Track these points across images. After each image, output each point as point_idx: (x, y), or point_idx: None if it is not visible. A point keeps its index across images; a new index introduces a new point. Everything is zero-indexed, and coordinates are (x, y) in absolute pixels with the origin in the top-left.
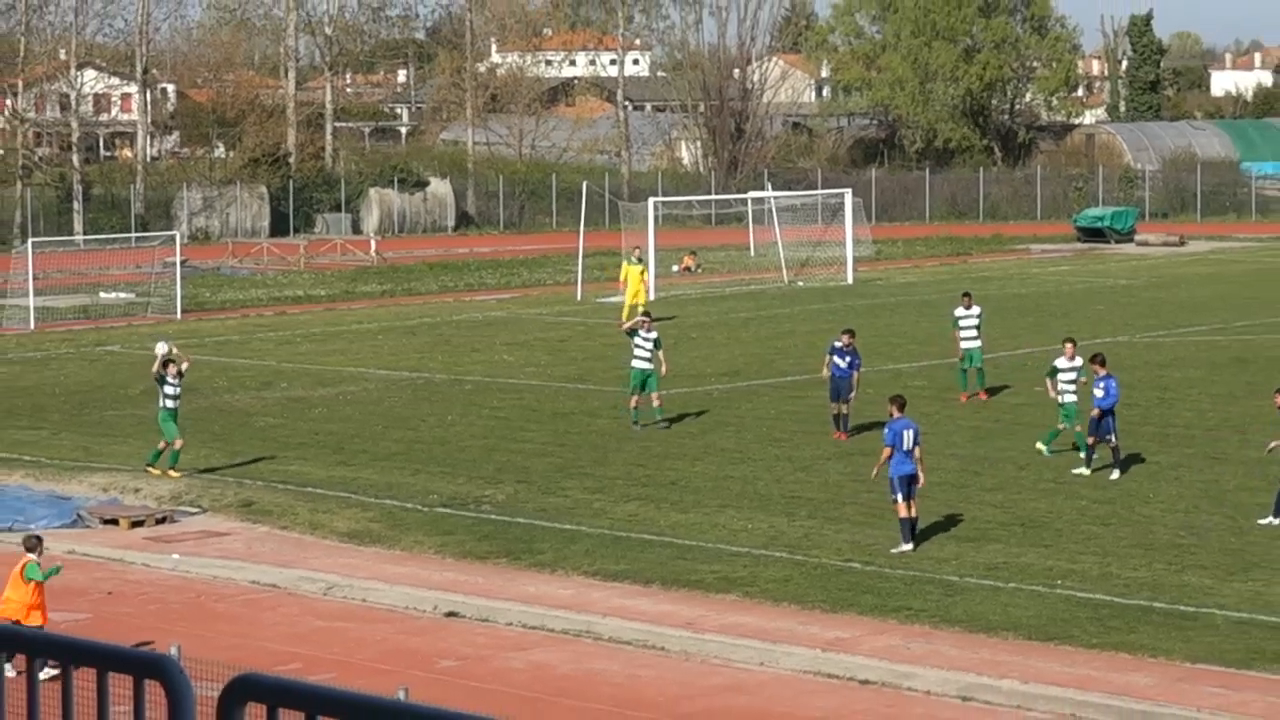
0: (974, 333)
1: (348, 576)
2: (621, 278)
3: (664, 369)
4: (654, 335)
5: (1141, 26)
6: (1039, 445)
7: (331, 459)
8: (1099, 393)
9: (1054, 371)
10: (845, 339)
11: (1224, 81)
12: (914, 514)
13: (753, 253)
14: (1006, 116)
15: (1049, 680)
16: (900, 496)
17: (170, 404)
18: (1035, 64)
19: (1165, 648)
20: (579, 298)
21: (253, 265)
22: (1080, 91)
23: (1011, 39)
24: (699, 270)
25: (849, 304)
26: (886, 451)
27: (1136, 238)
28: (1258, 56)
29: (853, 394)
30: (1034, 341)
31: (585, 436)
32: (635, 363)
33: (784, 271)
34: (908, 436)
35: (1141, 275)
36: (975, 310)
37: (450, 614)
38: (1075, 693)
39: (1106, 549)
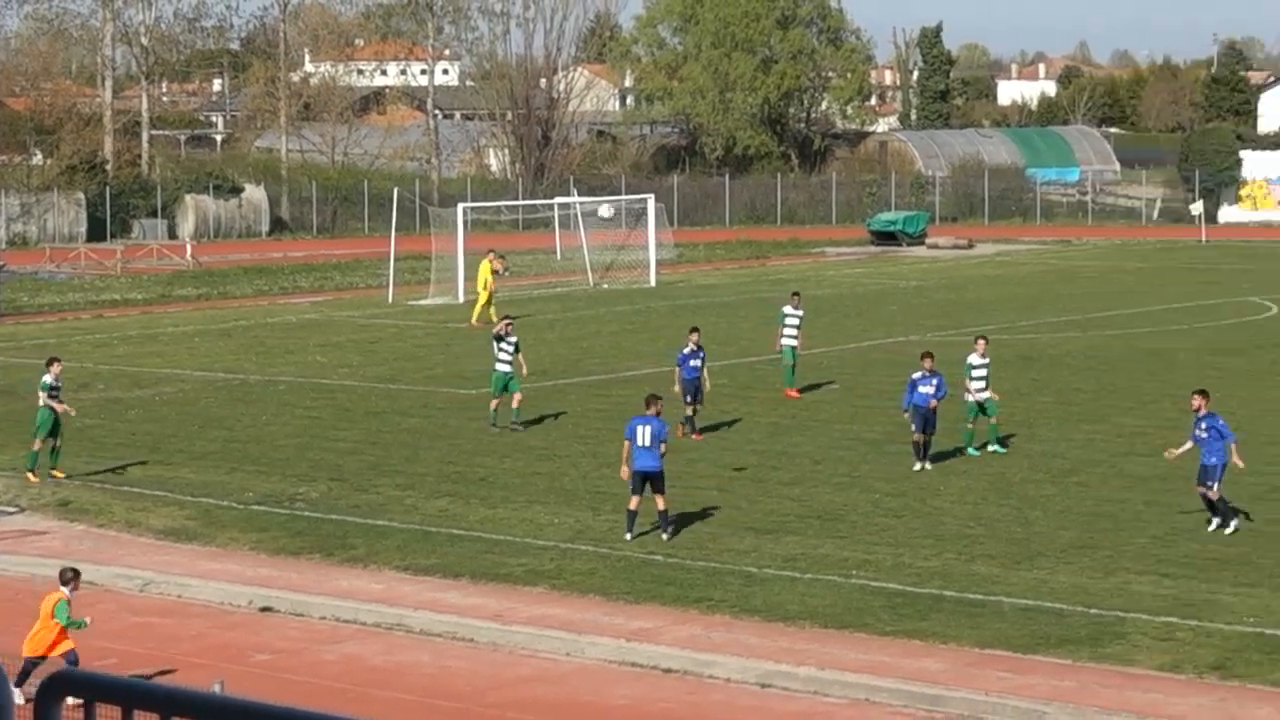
0: (794, 331)
1: (164, 573)
2: (481, 279)
3: (524, 370)
4: (514, 339)
5: (932, 38)
6: (969, 450)
7: (148, 458)
8: (929, 389)
9: (969, 369)
10: (695, 338)
11: (1010, 91)
12: (638, 509)
13: (559, 256)
14: (803, 125)
15: (844, 667)
16: (632, 490)
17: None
18: (831, 74)
19: (955, 634)
20: (390, 300)
21: (70, 270)
22: (873, 100)
23: (808, 50)
24: (507, 274)
25: (652, 305)
26: (627, 445)
27: (927, 241)
28: (1042, 67)
29: (708, 388)
30: (830, 341)
31: (397, 435)
32: (498, 366)
33: (589, 274)
34: (643, 432)
35: (932, 277)
36: (800, 310)
37: (265, 609)
38: (870, 678)
39: (899, 540)
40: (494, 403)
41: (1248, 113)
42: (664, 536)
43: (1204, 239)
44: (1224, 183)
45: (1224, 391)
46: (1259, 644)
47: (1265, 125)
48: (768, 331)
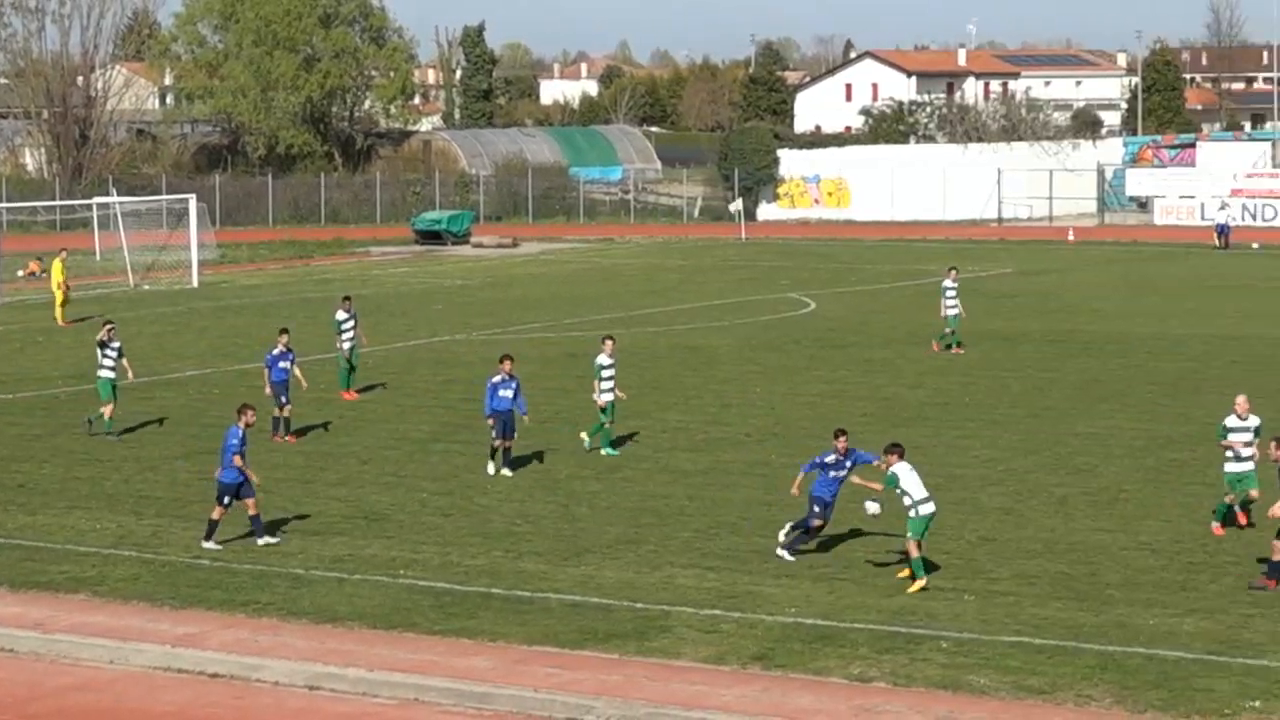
0: (352, 333)
1: None
2: (55, 280)
3: (129, 375)
4: (118, 344)
5: (474, 37)
6: (596, 446)
7: None
8: (508, 393)
9: (599, 370)
10: (284, 340)
11: (553, 90)
12: (220, 518)
13: (99, 258)
14: (347, 124)
15: (393, 667)
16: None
17: None
18: (374, 73)
19: (503, 631)
20: None
21: None
22: (417, 100)
23: (351, 49)
24: (44, 275)
25: (195, 306)
26: (237, 459)
27: (472, 240)
28: (584, 67)
29: (304, 387)
30: (376, 340)
31: None
32: (101, 373)
33: (130, 275)
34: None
35: (478, 275)
36: (352, 312)
37: None
38: (419, 678)
39: (447, 539)
40: (106, 409)
41: (784, 112)
42: (259, 542)
43: (744, 236)
44: (762, 181)
45: (764, 387)
46: (800, 634)
47: (801, 124)
48: (314, 331)
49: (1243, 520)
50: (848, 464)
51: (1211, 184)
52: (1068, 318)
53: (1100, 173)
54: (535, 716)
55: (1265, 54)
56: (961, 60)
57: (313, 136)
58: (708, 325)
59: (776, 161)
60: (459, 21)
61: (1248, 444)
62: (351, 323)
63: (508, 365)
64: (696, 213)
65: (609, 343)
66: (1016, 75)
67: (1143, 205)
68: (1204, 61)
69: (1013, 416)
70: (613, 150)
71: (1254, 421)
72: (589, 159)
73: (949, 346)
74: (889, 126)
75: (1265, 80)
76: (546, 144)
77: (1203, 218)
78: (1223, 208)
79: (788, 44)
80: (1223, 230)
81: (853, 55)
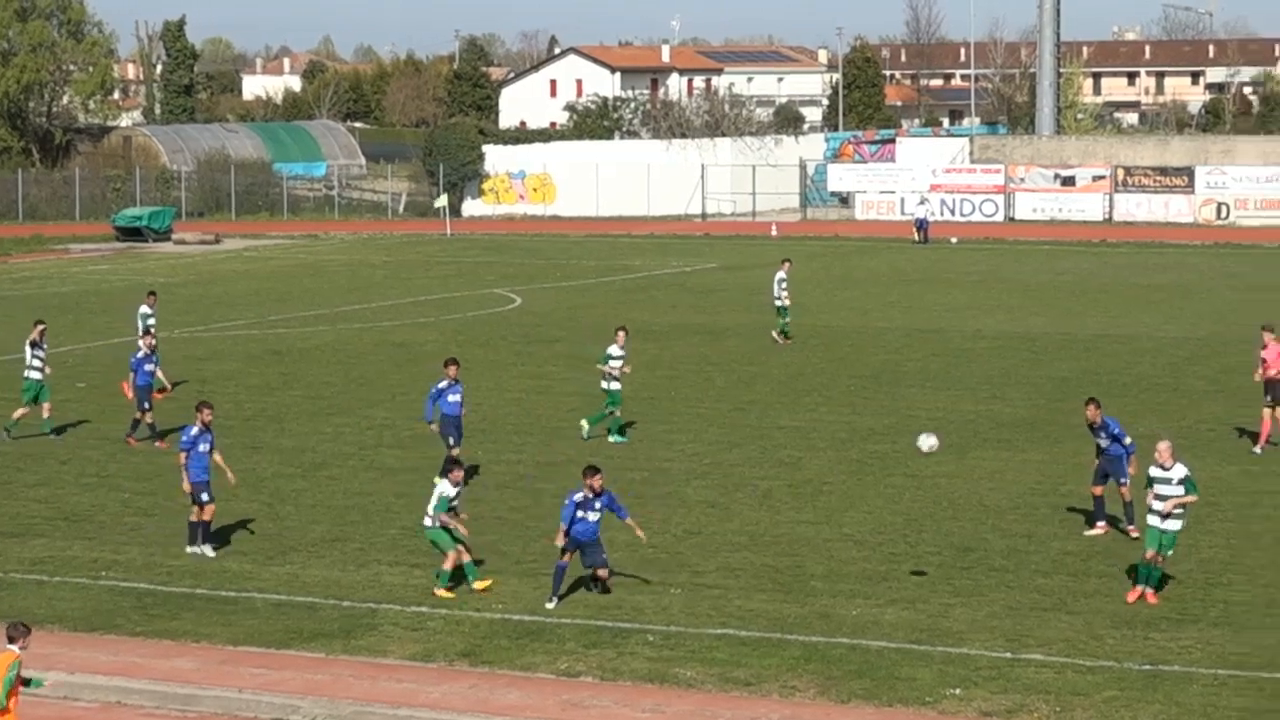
0: (152, 326)
1: None
2: None
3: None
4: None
5: (175, 32)
6: (583, 423)
7: None
8: (456, 398)
9: (607, 358)
10: (149, 340)
11: (255, 86)
12: None
13: None
14: (44, 119)
15: (95, 670)
16: None
17: None
18: (72, 67)
19: (208, 632)
20: None
21: None
22: (117, 95)
23: (48, 43)
24: None
25: None
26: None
27: (174, 236)
28: (287, 62)
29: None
30: (73, 339)
31: None
32: (30, 374)
33: None
34: None
35: (180, 273)
36: (153, 309)
37: None
38: (121, 680)
39: (150, 539)
40: (21, 411)
41: (489, 108)
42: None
43: (449, 232)
44: (467, 177)
45: (470, 382)
46: (507, 630)
47: (506, 120)
48: (9, 330)
49: (1150, 597)
50: (597, 505)
51: (911, 179)
52: (772, 312)
53: (802, 168)
54: (241, 717)
55: (962, 51)
56: (665, 57)
57: (9, 132)
58: (414, 321)
59: (481, 157)
60: (159, 16)
61: (1160, 497)
62: (153, 319)
63: (453, 370)
64: (401, 209)
65: (621, 334)
66: (720, 72)
67: (844, 200)
68: (903, 58)
69: (718, 410)
70: (316, 146)
71: (1179, 472)
72: (292, 155)
73: (785, 334)
74: (594, 122)
75: (962, 77)
76: (249, 140)
77: (902, 212)
78: (922, 203)
79: (492, 39)
80: (922, 225)
81: (557, 51)
